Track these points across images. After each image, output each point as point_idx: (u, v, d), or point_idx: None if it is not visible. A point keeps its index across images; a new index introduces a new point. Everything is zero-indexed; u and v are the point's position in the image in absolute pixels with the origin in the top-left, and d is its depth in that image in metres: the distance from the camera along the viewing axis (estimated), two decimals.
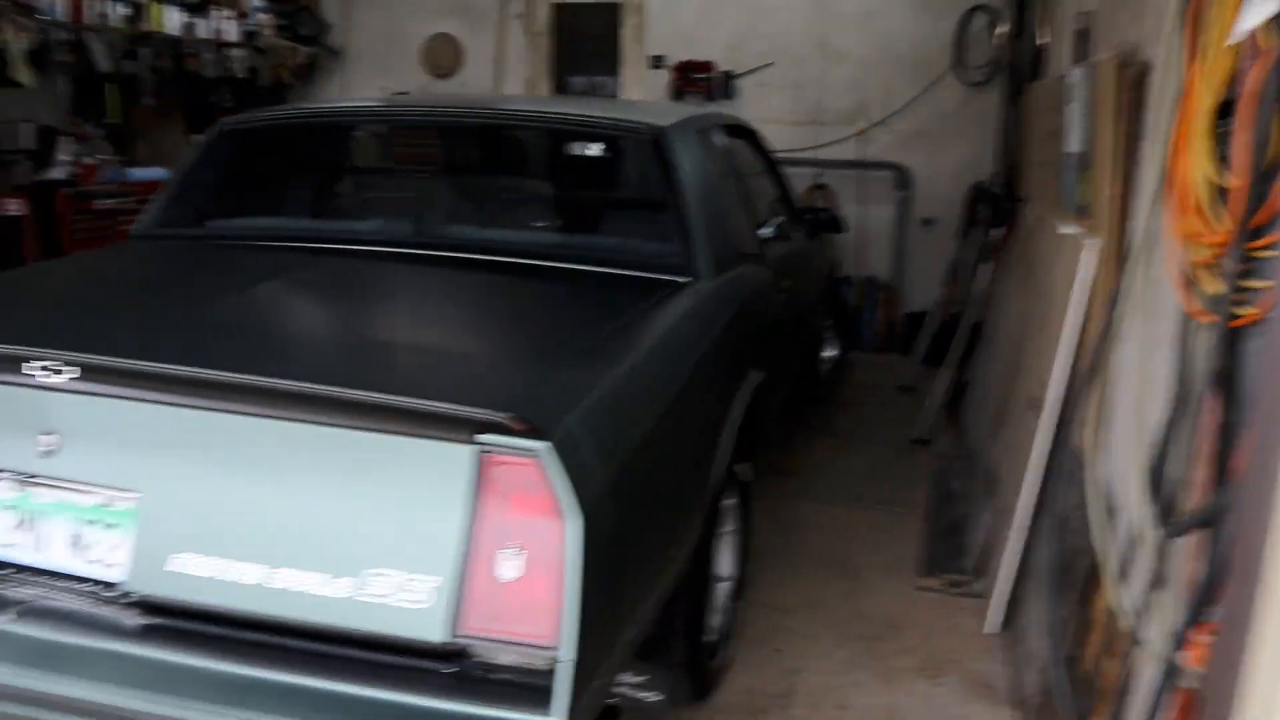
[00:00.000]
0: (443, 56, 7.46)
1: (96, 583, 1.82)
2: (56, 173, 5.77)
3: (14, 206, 5.25)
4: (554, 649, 1.58)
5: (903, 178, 6.64)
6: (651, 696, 2.32)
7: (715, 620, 2.70)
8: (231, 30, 6.73)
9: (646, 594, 2.01)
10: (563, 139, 3.46)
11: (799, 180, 6.02)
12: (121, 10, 5.88)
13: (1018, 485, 2.99)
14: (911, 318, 6.46)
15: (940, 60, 6.44)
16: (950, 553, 3.60)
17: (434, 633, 1.61)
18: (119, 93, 6.41)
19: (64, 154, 5.88)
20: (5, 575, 1.88)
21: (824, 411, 5.26)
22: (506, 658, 1.62)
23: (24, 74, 5.46)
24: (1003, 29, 6.13)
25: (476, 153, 3.74)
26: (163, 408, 1.75)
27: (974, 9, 6.29)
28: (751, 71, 6.81)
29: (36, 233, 5.37)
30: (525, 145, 3.69)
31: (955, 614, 3.22)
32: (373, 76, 7.49)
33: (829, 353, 5.23)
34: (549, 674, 1.58)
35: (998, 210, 5.26)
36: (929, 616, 3.21)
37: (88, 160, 5.94)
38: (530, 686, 1.58)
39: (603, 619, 1.69)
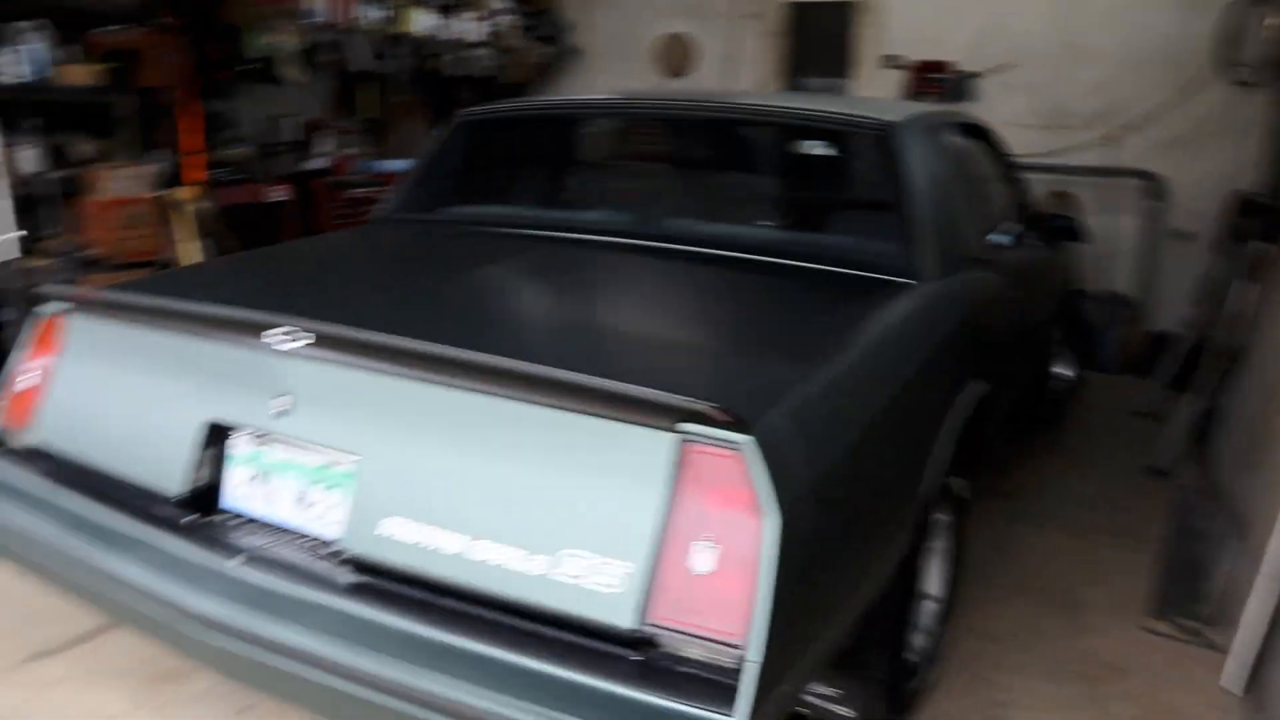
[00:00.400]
0: (675, 56, 7.55)
1: (315, 539, 1.93)
2: (316, 163, 6.26)
3: (278, 193, 5.73)
4: (742, 647, 1.54)
5: (1154, 186, 6.15)
6: (843, 711, 2.24)
7: (919, 640, 2.57)
8: (476, 32, 7.06)
9: (844, 603, 1.93)
10: (788, 133, 3.40)
11: (1040, 187, 5.69)
12: (378, 14, 6.29)
13: (1272, 529, 2.69)
14: (1156, 337, 5.98)
15: (1200, 59, 5.91)
16: (1185, 596, 3.29)
17: (623, 618, 1.60)
18: (374, 90, 6.87)
19: (323, 146, 6.37)
20: (238, 524, 2.03)
21: (1052, 431, 4.94)
22: (692, 651, 1.59)
23: (293, 72, 5.94)
24: (1275, 21, 5.55)
25: (700, 146, 3.74)
26: (386, 378, 1.84)
27: (1243, 1, 5.73)
28: (992, 71, 6.49)
29: (297, 217, 5.84)
30: (749, 139, 3.66)
31: (1186, 663, 2.94)
32: (608, 76, 7.68)
33: (1061, 370, 4.91)
34: (735, 673, 1.54)
35: (1267, 222, 4.77)
36: (1156, 663, 2.94)
37: (343, 152, 6.41)
38: (714, 684, 1.54)
39: (795, 622, 1.63)
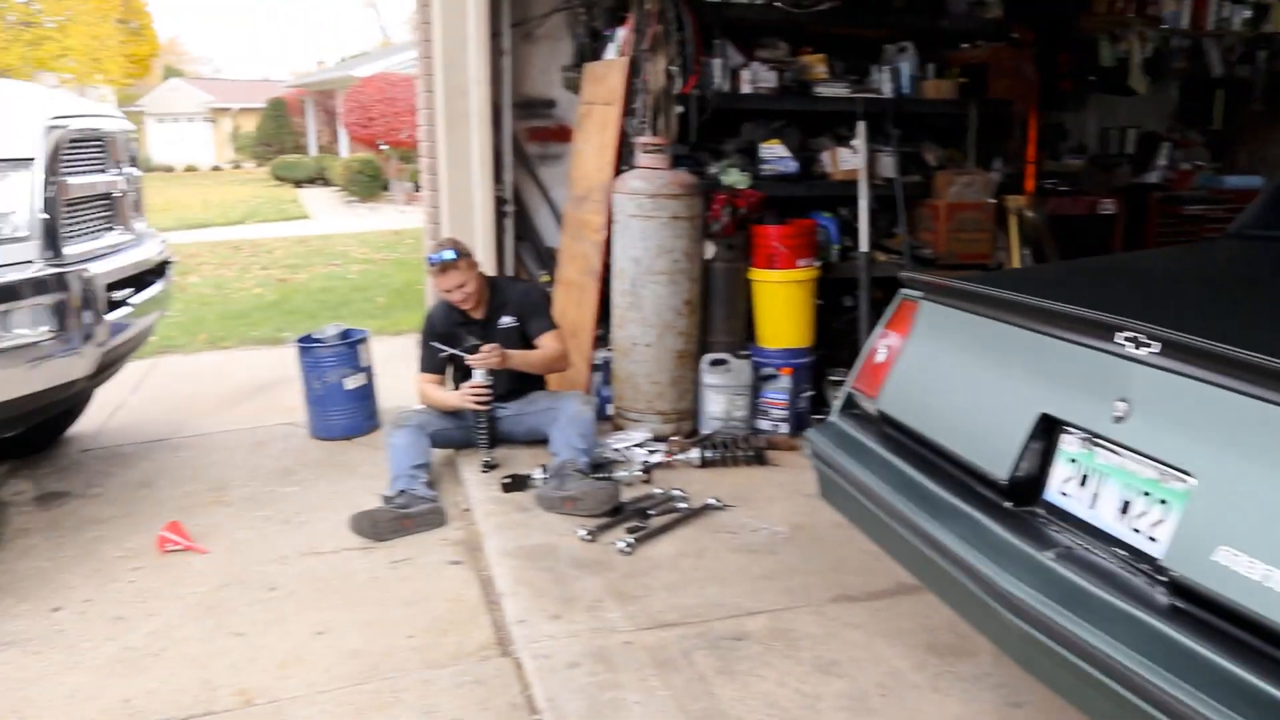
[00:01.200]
0: None
1: (1132, 550, 1.89)
2: (1151, 176, 6.01)
3: (1109, 205, 5.64)
4: None
5: None
6: None
7: None
8: None
9: None
10: None
11: None
12: (1242, 14, 5.78)
13: None
14: None
15: None
16: None
17: None
18: (1221, 99, 6.35)
19: (1161, 159, 6.09)
20: (1056, 519, 2.07)
21: None
22: None
23: (1138, 81, 5.77)
24: None
25: None
26: (1236, 398, 1.71)
27: None
28: None
29: (1124, 231, 5.69)
30: None
31: None
32: None
33: None
34: None
35: None
36: None
37: (1183, 166, 6.05)
38: None
39: None
